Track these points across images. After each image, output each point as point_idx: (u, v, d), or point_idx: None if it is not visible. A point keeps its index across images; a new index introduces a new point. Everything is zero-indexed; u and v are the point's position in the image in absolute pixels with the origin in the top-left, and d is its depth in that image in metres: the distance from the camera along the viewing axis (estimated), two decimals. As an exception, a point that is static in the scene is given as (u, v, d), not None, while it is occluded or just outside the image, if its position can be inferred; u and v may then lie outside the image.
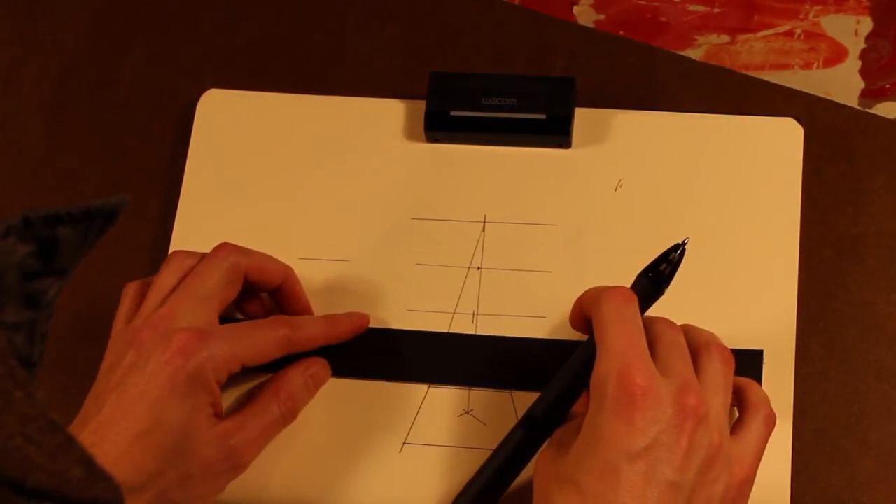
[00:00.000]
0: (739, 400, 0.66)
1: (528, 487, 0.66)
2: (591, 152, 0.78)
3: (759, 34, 0.81)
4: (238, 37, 0.85)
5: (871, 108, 0.78)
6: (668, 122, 0.78)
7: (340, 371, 0.73)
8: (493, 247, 0.76)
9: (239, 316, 0.75)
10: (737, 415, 0.67)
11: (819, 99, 0.78)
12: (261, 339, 0.69)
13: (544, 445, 0.65)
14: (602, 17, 0.83)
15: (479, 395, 0.73)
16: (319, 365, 0.73)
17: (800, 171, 0.76)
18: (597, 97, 0.79)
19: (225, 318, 0.71)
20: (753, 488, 0.63)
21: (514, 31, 0.83)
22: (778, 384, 0.71)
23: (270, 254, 0.73)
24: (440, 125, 0.78)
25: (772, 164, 0.76)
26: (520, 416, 0.67)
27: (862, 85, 0.79)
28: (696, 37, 0.82)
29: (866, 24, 0.81)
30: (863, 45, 0.80)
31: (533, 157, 0.78)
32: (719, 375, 0.63)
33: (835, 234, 0.75)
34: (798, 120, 0.77)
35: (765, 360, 0.71)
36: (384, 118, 0.80)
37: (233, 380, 0.70)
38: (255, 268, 0.72)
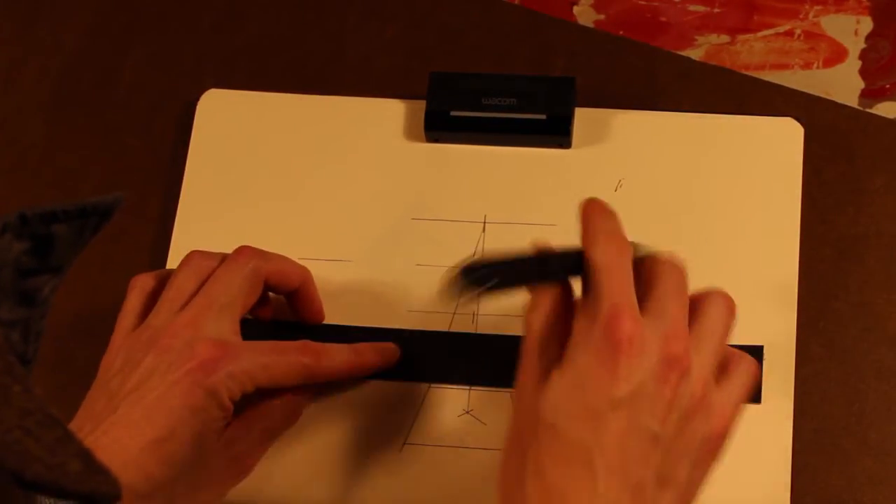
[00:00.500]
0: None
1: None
2: (591, 152, 0.78)
3: (759, 34, 0.81)
4: (238, 37, 0.85)
5: (871, 108, 0.78)
6: (668, 122, 0.78)
7: (340, 371, 0.74)
8: (493, 247, 0.76)
9: (247, 316, 0.74)
10: None
11: (819, 99, 0.78)
12: (283, 364, 0.69)
13: (523, 370, 0.62)
14: (602, 17, 0.83)
15: (479, 395, 0.73)
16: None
17: (800, 171, 0.76)
18: (597, 97, 0.79)
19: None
20: (753, 488, 0.63)
21: (514, 31, 0.83)
22: (778, 384, 0.71)
23: (270, 254, 0.73)
24: (440, 125, 0.78)
25: (772, 164, 0.76)
26: None
27: (862, 85, 0.79)
28: (696, 37, 0.82)
29: (866, 24, 0.81)
30: (863, 45, 0.80)
31: (533, 158, 0.78)
32: (718, 323, 0.61)
33: (835, 234, 0.75)
34: (798, 120, 0.77)
35: (765, 361, 0.71)
36: (384, 118, 0.80)
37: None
38: (275, 272, 0.71)
